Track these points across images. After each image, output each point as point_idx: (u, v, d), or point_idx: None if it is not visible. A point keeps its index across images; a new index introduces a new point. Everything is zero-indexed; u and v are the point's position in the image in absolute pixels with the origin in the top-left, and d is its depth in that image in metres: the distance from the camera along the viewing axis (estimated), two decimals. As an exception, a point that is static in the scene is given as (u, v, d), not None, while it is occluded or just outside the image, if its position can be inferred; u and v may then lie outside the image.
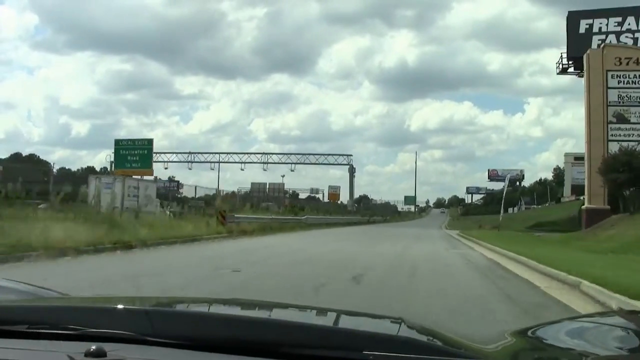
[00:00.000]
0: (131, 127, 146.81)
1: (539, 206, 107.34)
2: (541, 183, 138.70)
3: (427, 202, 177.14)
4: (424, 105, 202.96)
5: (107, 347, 0.87)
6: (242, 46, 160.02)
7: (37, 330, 0.97)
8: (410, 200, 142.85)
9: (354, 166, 74.05)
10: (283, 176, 75.73)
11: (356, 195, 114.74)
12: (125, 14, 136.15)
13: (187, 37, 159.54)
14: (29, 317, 1.02)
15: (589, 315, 2.35)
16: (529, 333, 1.20)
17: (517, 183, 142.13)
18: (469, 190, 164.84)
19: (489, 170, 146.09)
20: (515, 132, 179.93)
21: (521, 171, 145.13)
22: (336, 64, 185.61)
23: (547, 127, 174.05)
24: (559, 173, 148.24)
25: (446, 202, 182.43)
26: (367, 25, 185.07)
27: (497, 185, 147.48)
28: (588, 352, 1.04)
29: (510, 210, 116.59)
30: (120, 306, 1.08)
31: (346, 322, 1.27)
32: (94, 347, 0.85)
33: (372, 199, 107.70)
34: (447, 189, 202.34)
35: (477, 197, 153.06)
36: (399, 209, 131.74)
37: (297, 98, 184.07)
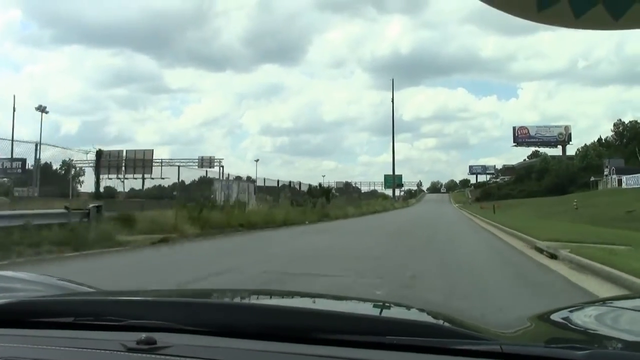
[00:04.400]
0: (122, 123, 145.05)
1: None
2: (604, 144, 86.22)
3: (420, 184, 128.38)
4: (418, 93, 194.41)
5: (154, 336, 0.94)
6: (231, 37, 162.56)
7: (84, 322, 1.03)
8: (391, 181, 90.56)
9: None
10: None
11: (340, 183, 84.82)
12: (111, 6, 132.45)
13: (175, 29, 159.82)
14: (74, 309, 1.08)
15: (613, 299, 2.14)
16: (551, 317, 1.21)
17: (561, 147, 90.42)
18: (473, 170, 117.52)
19: (514, 129, 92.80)
20: (510, 117, 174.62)
21: (566, 129, 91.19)
22: (328, 53, 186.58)
23: (541, 112, 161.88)
24: (622, 130, 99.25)
25: (442, 186, 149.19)
26: (358, 11, 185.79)
27: (525, 152, 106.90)
28: (616, 337, 1.05)
29: (590, 186, 66.58)
30: (161, 298, 1.21)
31: (370, 310, 1.32)
32: (144, 336, 0.92)
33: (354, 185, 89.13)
34: (441, 178, 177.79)
35: (481, 178, 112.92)
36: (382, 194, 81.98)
37: (288, 89, 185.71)
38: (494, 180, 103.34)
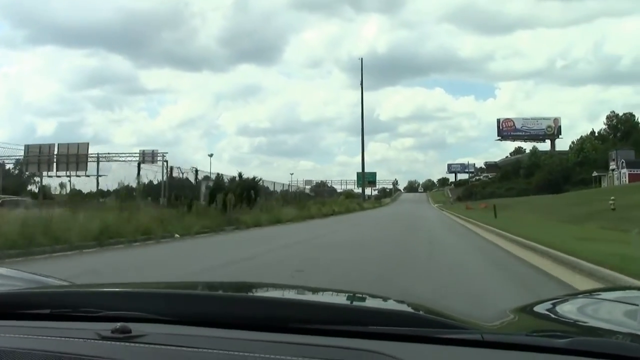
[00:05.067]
0: (98, 125, 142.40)
1: None
2: (598, 138, 77.61)
3: (395, 182, 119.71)
4: (395, 93, 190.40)
5: (130, 326, 0.95)
6: (207, 37, 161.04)
7: (60, 313, 1.04)
8: (367, 178, 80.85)
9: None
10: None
11: (309, 182, 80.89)
12: (85, 6, 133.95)
13: (150, 29, 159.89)
14: (51, 301, 1.09)
15: (596, 291, 2.16)
16: (534, 309, 1.22)
17: (549, 141, 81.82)
18: (452, 169, 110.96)
19: (499, 121, 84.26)
20: (488, 118, 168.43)
21: (555, 121, 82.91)
22: (305, 53, 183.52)
23: (519, 112, 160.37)
24: (616, 123, 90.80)
25: (420, 185, 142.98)
26: (335, 10, 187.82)
27: (505, 151, 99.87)
28: (597, 326, 1.06)
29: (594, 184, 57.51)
30: (137, 290, 1.22)
31: (351, 300, 1.32)
32: (119, 325, 0.93)
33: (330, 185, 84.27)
34: (418, 178, 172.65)
35: (460, 177, 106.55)
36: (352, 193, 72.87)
37: (265, 89, 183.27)
38: (477, 178, 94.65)
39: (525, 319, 1.15)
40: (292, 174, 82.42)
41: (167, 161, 43.61)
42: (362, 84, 71.77)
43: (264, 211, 19.25)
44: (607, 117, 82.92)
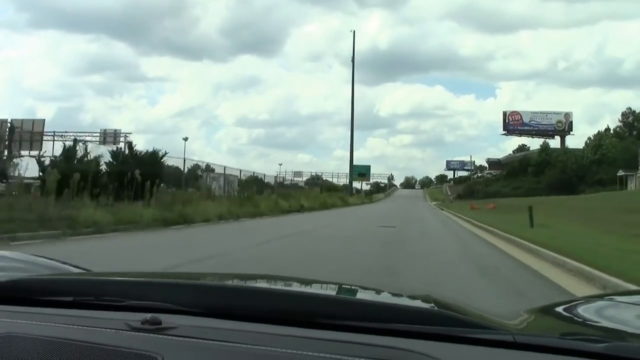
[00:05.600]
0: (97, 111, 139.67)
1: None
2: (615, 134, 70.39)
3: (391, 177, 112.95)
4: (395, 89, 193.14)
5: (158, 317, 0.94)
6: (209, 26, 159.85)
7: (83, 301, 1.03)
8: (356, 172, 73.18)
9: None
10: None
11: (298, 173, 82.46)
12: None
13: (152, 17, 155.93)
14: (74, 288, 1.07)
15: (607, 295, 2.13)
16: (554, 310, 1.19)
17: (559, 138, 74.88)
18: (451, 165, 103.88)
19: (505, 114, 76.92)
20: (487, 117, 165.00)
21: (566, 116, 75.64)
22: (306, 46, 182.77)
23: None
24: (632, 121, 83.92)
25: (417, 182, 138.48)
26: (338, 4, 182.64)
27: (507, 148, 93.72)
28: (630, 331, 1.01)
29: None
30: (163, 280, 1.21)
31: (377, 297, 1.28)
32: (149, 316, 0.91)
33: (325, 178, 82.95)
34: (416, 175, 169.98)
35: (458, 175, 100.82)
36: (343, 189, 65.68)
37: (265, 81, 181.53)
38: (480, 175, 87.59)
39: (546, 320, 1.10)
40: (280, 164, 76.20)
41: (130, 142, 36.87)
42: (353, 60, 64.69)
43: (157, 205, 11.92)
44: (623, 114, 76.03)
